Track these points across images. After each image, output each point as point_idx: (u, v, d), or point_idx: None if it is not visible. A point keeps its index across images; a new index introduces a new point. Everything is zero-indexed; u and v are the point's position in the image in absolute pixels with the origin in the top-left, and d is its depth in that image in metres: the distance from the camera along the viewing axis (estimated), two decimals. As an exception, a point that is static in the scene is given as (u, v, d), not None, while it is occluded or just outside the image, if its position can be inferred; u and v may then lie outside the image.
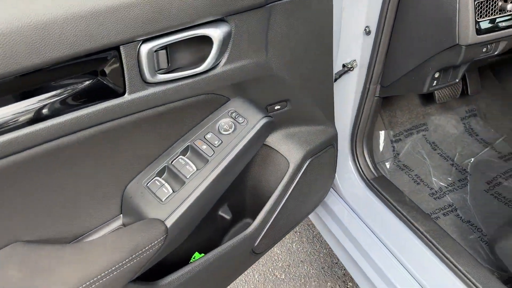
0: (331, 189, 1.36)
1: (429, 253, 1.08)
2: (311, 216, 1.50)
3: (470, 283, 0.99)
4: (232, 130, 0.75)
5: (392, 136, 1.62)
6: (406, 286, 1.07)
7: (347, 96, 1.22)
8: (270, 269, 1.51)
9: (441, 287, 1.02)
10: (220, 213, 0.92)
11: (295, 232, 1.70)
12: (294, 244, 1.64)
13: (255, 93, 0.82)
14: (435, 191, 1.47)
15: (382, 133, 1.60)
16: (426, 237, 1.11)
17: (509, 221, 1.05)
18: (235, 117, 0.75)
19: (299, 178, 0.97)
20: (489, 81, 1.74)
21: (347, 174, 1.32)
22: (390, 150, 1.59)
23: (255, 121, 0.75)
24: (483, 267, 1.02)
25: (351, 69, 1.16)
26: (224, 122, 0.75)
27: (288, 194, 0.96)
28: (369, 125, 1.28)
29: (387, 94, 1.18)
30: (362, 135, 1.29)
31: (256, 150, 0.80)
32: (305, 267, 1.54)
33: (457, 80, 1.10)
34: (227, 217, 0.93)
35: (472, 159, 1.58)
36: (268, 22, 0.75)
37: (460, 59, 0.92)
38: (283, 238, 1.69)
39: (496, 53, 1.02)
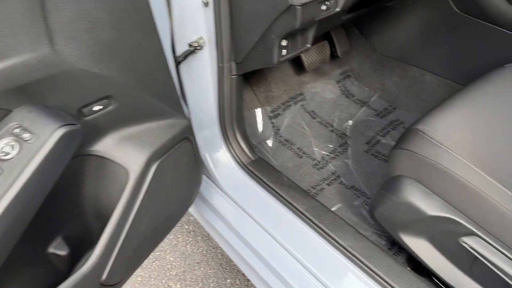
0: (210, 182, 1.24)
1: (311, 232, 1.02)
2: (196, 215, 1.38)
3: (352, 256, 0.94)
4: (16, 152, 0.57)
5: (270, 112, 1.54)
6: (292, 271, 1.00)
7: (204, 78, 1.09)
8: (164, 281, 1.37)
9: (326, 265, 0.96)
10: (52, 250, 0.75)
11: (189, 232, 1.57)
12: (188, 246, 1.52)
13: (53, 97, 0.64)
14: (318, 161, 1.42)
15: (258, 111, 1.51)
16: (306, 216, 1.04)
17: (385, 185, 1.02)
18: (18, 133, 0.58)
19: (148, 187, 0.82)
20: (356, 40, 1.73)
21: (223, 162, 1.20)
22: (270, 127, 1.51)
23: (48, 134, 0.58)
24: (364, 239, 0.98)
25: (199, 47, 1.02)
26: (3, 143, 0.57)
27: (136, 209, 0.81)
28: (235, 107, 1.16)
29: (243, 71, 1.07)
30: (230, 118, 1.17)
31: (62, 169, 0.64)
32: (202, 269, 1.42)
33: (308, 45, 1.02)
34: (62, 253, 0.75)
35: (350, 121, 1.56)
36: (42, 3, 0.57)
37: (298, 21, 0.83)
38: (177, 241, 1.55)
39: (338, 9, 0.95)
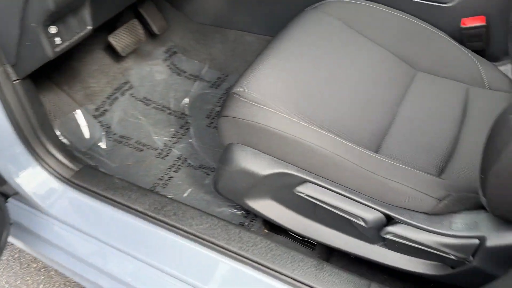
0: (31, 209, 1.05)
1: (157, 230, 0.92)
2: (33, 253, 1.18)
3: (201, 240, 0.88)
4: None
5: (93, 110, 1.37)
6: (148, 279, 0.90)
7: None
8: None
9: (178, 258, 0.89)
10: None
11: (39, 270, 1.36)
12: (41, 286, 1.31)
13: None
14: (161, 149, 1.32)
15: (78, 113, 1.33)
16: (147, 214, 0.94)
17: (220, 157, 0.97)
18: None
19: None
20: (170, 13, 1.63)
21: (39, 183, 1.02)
22: (98, 127, 1.35)
23: None
24: (213, 218, 0.92)
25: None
26: None
27: None
28: (35, 117, 0.98)
29: (25, 73, 0.89)
30: (33, 131, 0.99)
31: None
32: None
33: (89, 27, 0.89)
34: None
35: (187, 99, 1.48)
36: None
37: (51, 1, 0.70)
38: (26, 285, 1.33)
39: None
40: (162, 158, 1.30)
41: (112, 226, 0.96)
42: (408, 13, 1.11)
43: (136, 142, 1.34)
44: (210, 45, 1.57)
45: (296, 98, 0.90)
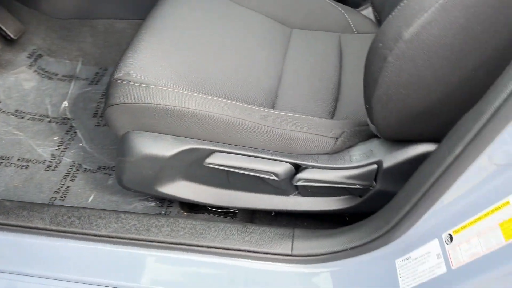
0: None
1: (71, 243, 0.84)
2: None
3: (118, 239, 0.83)
4: None
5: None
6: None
7: None
8: None
9: (100, 267, 0.83)
10: None
11: None
12: None
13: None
14: (49, 161, 1.20)
15: None
16: (52, 229, 0.85)
17: (117, 150, 0.91)
18: None
19: None
20: (24, 14, 1.46)
21: None
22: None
23: None
24: (124, 214, 0.87)
25: None
26: None
27: None
28: None
29: None
30: None
31: None
32: None
33: None
34: None
35: (66, 102, 1.36)
36: None
37: None
38: None
39: None
40: (53, 170, 1.18)
41: (14, 253, 0.86)
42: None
43: (18, 160, 1.20)
44: (79, 41, 1.46)
45: (182, 72, 0.88)
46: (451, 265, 0.60)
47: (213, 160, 0.83)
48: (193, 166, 0.88)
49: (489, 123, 0.51)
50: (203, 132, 0.82)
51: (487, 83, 0.54)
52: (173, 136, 0.84)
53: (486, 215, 0.56)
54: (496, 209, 0.55)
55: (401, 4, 0.60)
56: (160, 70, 0.86)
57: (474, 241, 0.57)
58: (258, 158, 0.82)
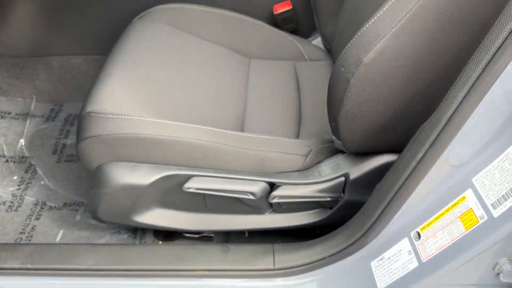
0: None
1: (51, 280, 0.82)
2: None
3: (96, 272, 0.82)
4: None
5: None
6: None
7: None
8: None
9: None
10: None
11: None
12: None
13: None
14: (10, 202, 1.16)
15: None
16: (28, 268, 0.83)
17: (91, 183, 0.91)
18: None
19: None
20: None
21: None
22: None
23: None
24: (101, 247, 0.87)
25: None
26: None
27: None
28: None
29: None
30: None
31: None
32: None
33: None
34: None
35: (22, 140, 1.32)
36: None
37: None
38: None
39: None
40: (16, 210, 1.14)
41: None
42: (228, 9, 1.23)
43: (-26, 203, 1.15)
44: (33, 78, 1.43)
45: (153, 102, 0.91)
46: (422, 259, 0.68)
47: (192, 185, 0.86)
48: (170, 192, 0.90)
49: (444, 130, 0.60)
50: (181, 158, 0.85)
51: (439, 96, 0.63)
52: (150, 164, 0.87)
53: (447, 210, 0.65)
54: (455, 204, 0.64)
55: (358, 33, 0.69)
56: (132, 101, 0.89)
57: (439, 234, 0.66)
58: (235, 179, 0.87)
